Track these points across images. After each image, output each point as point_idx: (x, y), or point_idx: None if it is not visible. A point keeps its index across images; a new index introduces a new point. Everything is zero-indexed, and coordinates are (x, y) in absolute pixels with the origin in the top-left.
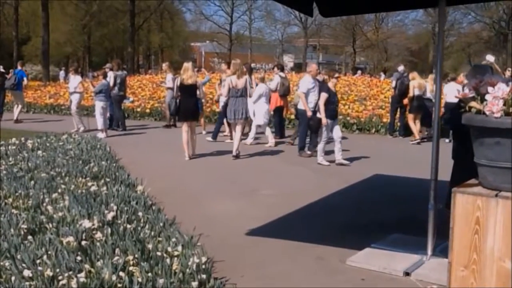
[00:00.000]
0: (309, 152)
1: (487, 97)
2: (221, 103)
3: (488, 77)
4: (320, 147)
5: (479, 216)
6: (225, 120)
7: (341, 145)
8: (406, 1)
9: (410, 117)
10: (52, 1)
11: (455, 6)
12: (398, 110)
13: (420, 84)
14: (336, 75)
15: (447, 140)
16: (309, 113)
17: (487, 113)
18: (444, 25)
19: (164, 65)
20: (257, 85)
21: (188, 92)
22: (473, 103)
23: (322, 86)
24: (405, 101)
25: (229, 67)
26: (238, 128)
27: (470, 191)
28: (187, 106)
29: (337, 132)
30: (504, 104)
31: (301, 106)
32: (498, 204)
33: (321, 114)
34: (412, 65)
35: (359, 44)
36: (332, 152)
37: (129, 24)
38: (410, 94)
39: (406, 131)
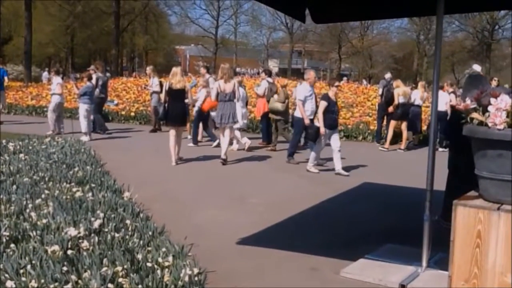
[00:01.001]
0: (294, 161)
1: (489, 108)
2: (196, 108)
3: (490, 88)
4: (313, 155)
5: (480, 230)
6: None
7: (340, 155)
8: (403, 9)
9: (392, 124)
10: (35, 1)
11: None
12: (385, 117)
13: (404, 92)
14: (336, 83)
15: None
16: (307, 121)
17: (490, 124)
18: (442, 33)
19: (148, 69)
20: None
21: (176, 96)
22: (475, 114)
23: (323, 96)
24: (390, 108)
25: (208, 71)
26: (227, 133)
27: (471, 204)
28: (175, 110)
29: (335, 141)
30: (507, 116)
31: (297, 113)
32: (500, 217)
33: (320, 123)
34: (396, 72)
35: (344, 50)
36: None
37: (113, 26)
38: (396, 102)
39: (394, 139)
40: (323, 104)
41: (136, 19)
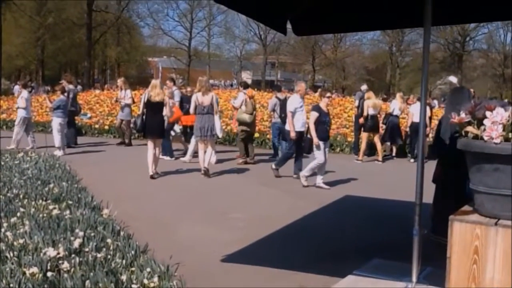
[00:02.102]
0: (278, 172)
1: (485, 122)
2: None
3: (485, 101)
4: (311, 165)
5: (478, 245)
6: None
7: (325, 169)
8: (389, 21)
9: (364, 136)
10: (5, 13)
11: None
12: (362, 129)
13: (374, 104)
14: (328, 94)
15: (412, 160)
16: (293, 134)
17: (486, 138)
18: (429, 44)
19: (119, 81)
20: None
21: (154, 109)
22: (469, 128)
23: (314, 107)
24: (361, 120)
25: (174, 83)
26: (209, 144)
27: (468, 219)
28: (153, 123)
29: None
30: (503, 130)
31: (287, 126)
32: (498, 232)
33: (312, 134)
34: (369, 84)
35: (318, 62)
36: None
37: (85, 38)
38: (365, 113)
39: (371, 151)
40: (314, 115)
41: (108, 31)
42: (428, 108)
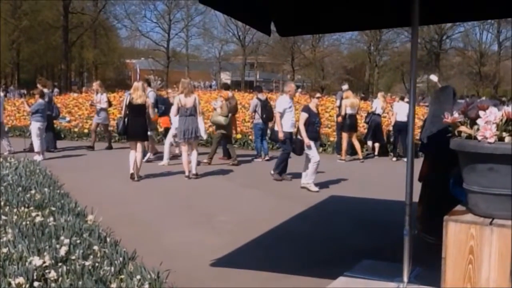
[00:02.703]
0: (289, 176)
1: (479, 121)
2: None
3: (477, 100)
4: (310, 169)
5: (473, 245)
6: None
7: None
8: (376, 21)
9: (344, 136)
10: None
11: None
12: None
13: (352, 103)
14: (318, 95)
15: (394, 159)
16: (281, 135)
17: (480, 138)
18: (417, 44)
19: (95, 84)
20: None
21: (136, 111)
22: (463, 128)
23: (304, 107)
24: (339, 119)
25: (149, 85)
26: (193, 148)
27: (463, 219)
28: (135, 125)
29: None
30: (497, 129)
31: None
32: (493, 232)
33: (302, 135)
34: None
35: (297, 62)
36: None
37: (61, 40)
38: (342, 112)
39: (354, 150)
40: (303, 116)
41: (85, 33)
42: (407, 106)
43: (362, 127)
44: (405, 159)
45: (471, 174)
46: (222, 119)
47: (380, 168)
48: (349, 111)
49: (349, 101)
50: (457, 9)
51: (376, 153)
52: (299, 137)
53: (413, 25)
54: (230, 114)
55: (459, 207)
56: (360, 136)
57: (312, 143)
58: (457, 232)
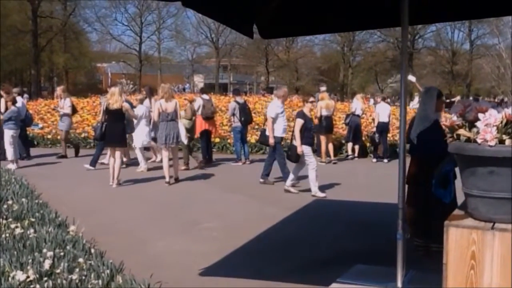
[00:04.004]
0: (270, 181)
1: (478, 124)
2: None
3: (475, 102)
4: (311, 176)
5: (474, 251)
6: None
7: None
8: (365, 22)
9: (322, 138)
10: None
11: None
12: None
13: (327, 105)
14: (311, 99)
15: (374, 160)
16: (272, 141)
17: (480, 141)
18: (406, 44)
19: (59, 89)
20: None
21: (113, 116)
22: (461, 131)
23: (298, 113)
24: (315, 121)
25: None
26: (174, 153)
27: (464, 224)
28: (113, 131)
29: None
30: (497, 132)
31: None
32: (495, 237)
33: (297, 142)
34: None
35: (271, 64)
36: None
37: (31, 45)
38: (317, 114)
39: (334, 150)
40: (299, 122)
41: (54, 37)
42: (388, 107)
43: (341, 129)
44: (385, 160)
45: (471, 178)
46: (185, 122)
47: (361, 169)
48: (324, 112)
49: (324, 103)
50: (446, 8)
51: (356, 154)
52: (294, 143)
53: (403, 25)
54: (194, 117)
55: (457, 211)
56: (340, 137)
57: (309, 149)
58: (458, 237)
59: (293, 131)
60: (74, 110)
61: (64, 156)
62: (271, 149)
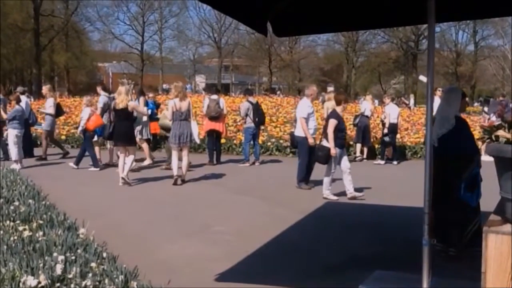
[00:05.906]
0: (307, 186)
1: None
2: (80, 128)
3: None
4: (326, 180)
5: None
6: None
7: (351, 176)
8: (387, 19)
9: None
10: None
11: None
12: None
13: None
14: (329, 90)
15: (382, 162)
16: (311, 141)
17: None
18: (433, 43)
19: (45, 88)
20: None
21: (120, 116)
22: (500, 132)
23: (332, 113)
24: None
25: (104, 89)
26: (185, 152)
27: (504, 230)
28: (120, 129)
29: (345, 162)
30: None
31: (298, 133)
32: None
33: (330, 144)
34: (325, 85)
35: (274, 64)
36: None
37: (32, 44)
38: (324, 115)
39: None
40: (333, 122)
41: (56, 36)
42: (397, 108)
43: (349, 130)
44: (394, 162)
45: (509, 181)
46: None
47: (370, 171)
48: None
49: (331, 104)
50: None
51: (365, 156)
52: (323, 144)
53: (429, 22)
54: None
55: (493, 217)
56: (348, 139)
57: (339, 151)
58: (498, 244)
59: (323, 132)
60: (59, 111)
61: (43, 158)
62: (303, 150)
